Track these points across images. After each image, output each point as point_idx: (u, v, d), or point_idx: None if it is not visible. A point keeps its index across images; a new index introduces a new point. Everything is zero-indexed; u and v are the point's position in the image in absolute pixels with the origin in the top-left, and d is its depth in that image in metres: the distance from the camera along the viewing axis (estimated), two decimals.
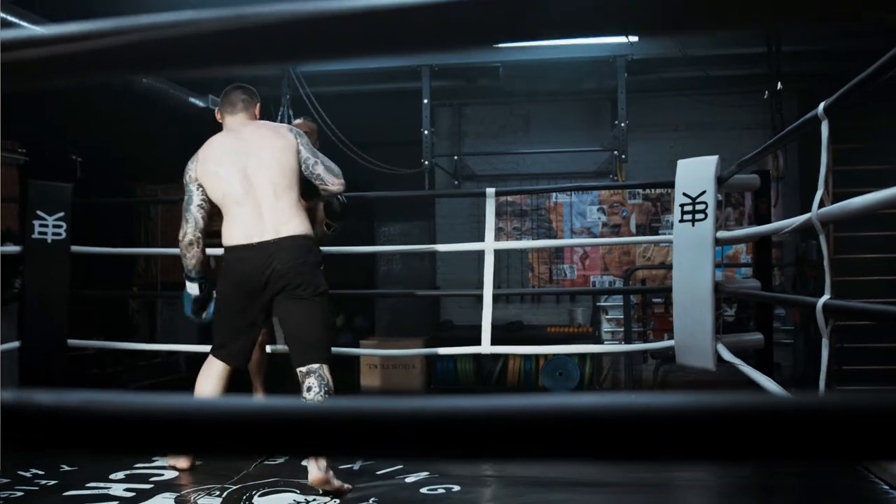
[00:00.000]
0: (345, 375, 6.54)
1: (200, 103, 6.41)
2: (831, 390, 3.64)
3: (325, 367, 3.10)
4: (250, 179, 3.15)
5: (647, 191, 7.44)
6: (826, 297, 2.50)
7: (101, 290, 6.32)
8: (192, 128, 6.72)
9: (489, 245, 4.61)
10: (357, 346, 6.73)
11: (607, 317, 7.33)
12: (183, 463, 3.33)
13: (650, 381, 6.82)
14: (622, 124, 6.39)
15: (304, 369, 3.09)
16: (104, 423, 0.55)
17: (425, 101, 6.48)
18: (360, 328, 7.94)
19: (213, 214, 3.31)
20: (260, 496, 2.96)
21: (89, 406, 0.54)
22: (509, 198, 7.55)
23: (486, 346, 4.47)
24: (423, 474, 3.21)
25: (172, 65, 0.68)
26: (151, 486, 3.09)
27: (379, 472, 3.27)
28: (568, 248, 7.56)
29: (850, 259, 6.57)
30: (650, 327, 7.19)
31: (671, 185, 4.11)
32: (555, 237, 7.52)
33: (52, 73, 0.65)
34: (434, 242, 7.35)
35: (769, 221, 4.27)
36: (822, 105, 2.57)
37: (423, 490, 3.04)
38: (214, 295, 3.34)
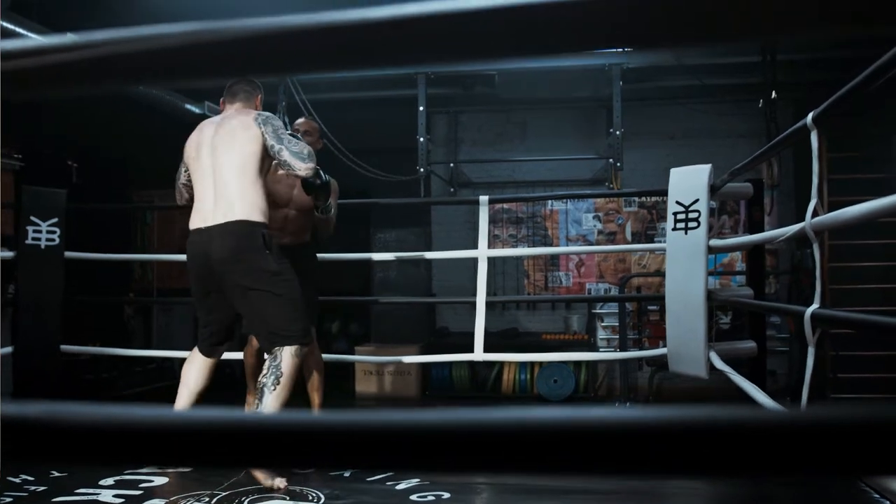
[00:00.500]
0: (340, 382, 6.54)
1: (196, 110, 6.41)
2: (814, 400, 3.63)
3: (285, 350, 3.11)
4: (213, 167, 3.25)
5: (643, 199, 7.45)
6: (815, 305, 2.50)
7: (96, 296, 6.31)
8: (188, 134, 6.74)
9: (482, 252, 4.61)
10: (352, 352, 6.73)
11: (603, 324, 7.33)
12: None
13: (645, 389, 6.81)
14: (617, 132, 6.39)
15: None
16: (94, 435, 0.55)
17: (421, 108, 6.48)
18: (355, 335, 7.94)
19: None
20: (249, 503, 2.96)
21: (79, 417, 0.55)
22: (505, 205, 7.55)
23: (478, 354, 4.47)
24: (414, 482, 3.21)
25: (170, 75, 0.68)
26: (141, 492, 3.09)
27: (369, 479, 3.27)
28: (563, 255, 7.57)
29: (847, 267, 6.57)
30: (645, 335, 7.19)
31: (666, 193, 4.11)
32: (550, 245, 7.52)
33: (50, 82, 0.66)
34: (430, 249, 7.35)
35: (762, 230, 4.28)
36: (810, 115, 2.57)
37: (413, 497, 3.04)
38: None
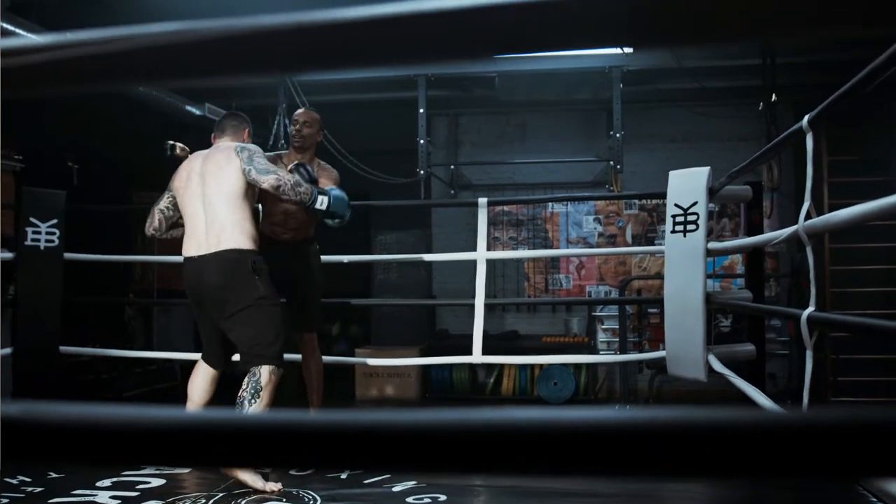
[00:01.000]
0: (340, 384, 6.54)
1: (197, 111, 6.43)
2: (815, 402, 3.63)
3: (263, 368, 3.25)
4: (203, 195, 3.40)
5: (644, 201, 7.44)
6: (811, 308, 2.50)
7: (96, 297, 6.32)
8: (189, 136, 6.74)
9: (481, 255, 4.61)
10: (352, 354, 6.73)
11: (603, 327, 7.32)
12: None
13: (645, 392, 6.80)
14: (618, 135, 6.39)
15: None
16: (95, 435, 0.55)
17: (421, 110, 6.49)
18: (355, 337, 7.94)
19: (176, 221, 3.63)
20: None
21: (79, 418, 0.55)
22: (505, 207, 7.55)
23: (477, 356, 4.46)
24: (410, 484, 3.21)
25: (171, 74, 0.68)
26: (138, 493, 3.09)
27: (366, 481, 3.27)
28: (564, 258, 7.56)
29: (848, 270, 6.56)
30: (646, 338, 7.18)
31: (665, 196, 4.11)
32: (551, 247, 7.52)
33: (47, 81, 0.66)
34: (430, 251, 7.35)
35: (761, 233, 4.28)
36: (806, 118, 2.57)
37: (410, 499, 3.04)
38: None
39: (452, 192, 7.55)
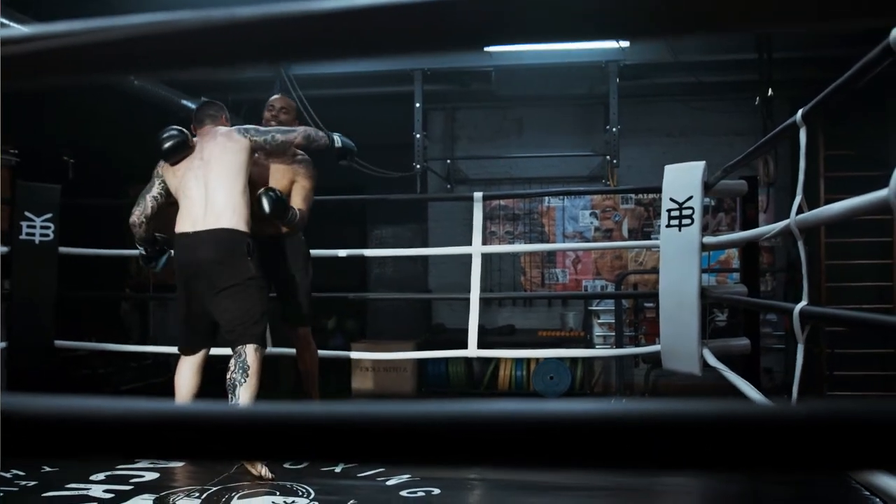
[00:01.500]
0: (336, 378, 6.54)
1: (193, 105, 6.41)
2: (809, 396, 3.64)
3: (248, 347, 3.31)
4: (201, 177, 3.45)
5: (640, 196, 7.44)
6: (803, 303, 2.51)
7: (92, 292, 6.31)
8: (186, 130, 6.73)
9: (476, 249, 4.61)
10: (348, 349, 6.72)
11: (599, 321, 7.33)
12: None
13: (641, 386, 6.81)
14: (614, 129, 6.39)
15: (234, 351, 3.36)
16: (92, 429, 0.55)
17: (417, 104, 6.49)
18: (351, 331, 7.94)
19: (167, 206, 3.67)
20: (239, 498, 2.96)
21: (75, 411, 0.54)
22: (502, 202, 7.55)
23: (472, 350, 4.47)
24: (405, 477, 3.21)
25: (165, 65, 0.68)
26: (131, 487, 3.09)
27: (360, 475, 3.27)
28: (560, 252, 7.57)
29: (842, 265, 6.57)
30: (642, 332, 7.19)
31: (660, 190, 4.11)
32: (547, 241, 7.52)
33: (38, 72, 0.65)
34: (426, 246, 7.35)
35: (756, 227, 4.28)
36: (799, 112, 2.57)
37: (403, 493, 3.04)
38: (164, 255, 3.86)
39: (449, 186, 7.54)
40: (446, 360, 6.88)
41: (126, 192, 7.51)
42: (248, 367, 3.28)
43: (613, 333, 6.85)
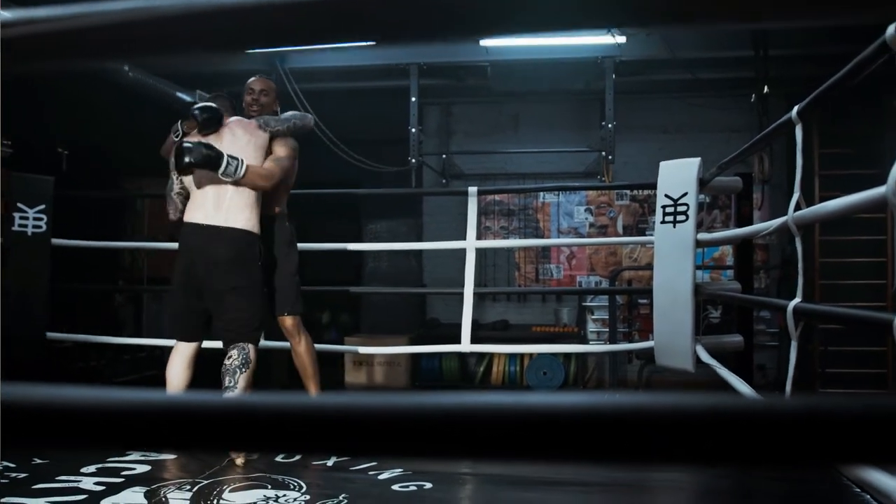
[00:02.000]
0: (329, 372, 6.53)
1: (188, 98, 6.39)
2: (800, 392, 3.65)
3: (249, 345, 3.38)
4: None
5: (635, 192, 7.44)
6: (797, 300, 2.51)
7: (85, 284, 6.29)
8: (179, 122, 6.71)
9: (471, 243, 4.60)
10: (342, 342, 6.72)
11: (593, 317, 7.33)
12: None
13: (635, 382, 6.82)
14: (610, 125, 6.39)
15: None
16: (90, 419, 0.54)
17: (413, 99, 6.47)
18: (345, 325, 7.93)
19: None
20: (230, 491, 2.96)
21: (74, 402, 0.54)
22: (497, 197, 7.55)
23: (465, 345, 4.47)
24: (397, 471, 3.21)
25: (164, 49, 0.67)
26: (122, 480, 3.08)
27: (352, 469, 3.27)
28: (554, 247, 7.56)
29: (837, 263, 6.58)
30: (635, 328, 7.20)
31: (655, 186, 4.11)
32: (542, 237, 7.52)
33: (37, 56, 0.65)
34: (421, 240, 7.34)
35: (751, 224, 4.28)
36: (795, 109, 2.57)
37: (395, 487, 3.04)
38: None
39: (444, 181, 7.53)
40: (440, 354, 6.88)
41: (120, 185, 7.53)
42: (250, 360, 3.35)
43: (607, 329, 6.86)
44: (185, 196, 3.60)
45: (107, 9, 0.59)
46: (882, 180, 1.78)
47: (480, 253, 4.68)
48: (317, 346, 4.13)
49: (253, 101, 3.78)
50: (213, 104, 3.58)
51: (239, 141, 3.49)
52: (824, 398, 0.47)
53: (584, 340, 7.11)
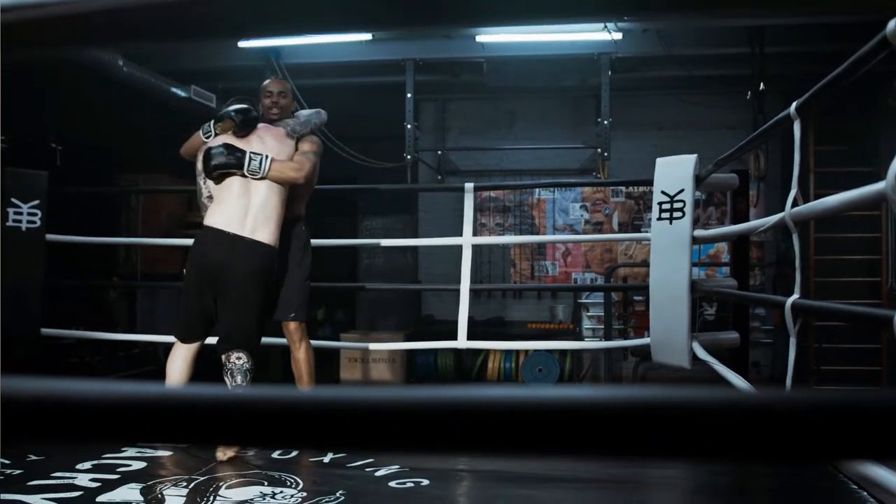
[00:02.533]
0: (324, 369, 6.52)
1: (182, 93, 6.37)
2: (798, 388, 3.65)
3: (244, 353, 3.34)
4: (248, 180, 3.40)
5: (630, 189, 7.45)
6: (795, 296, 2.51)
7: (80, 280, 6.27)
8: (174, 118, 6.68)
9: (467, 240, 4.60)
10: (337, 339, 6.71)
11: (588, 314, 7.33)
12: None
13: (630, 379, 6.82)
14: (605, 122, 6.39)
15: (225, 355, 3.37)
16: (91, 413, 0.53)
17: (409, 95, 6.46)
18: (340, 321, 7.92)
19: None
20: (227, 488, 2.94)
21: (75, 395, 0.53)
22: (492, 194, 7.54)
23: (462, 341, 4.46)
24: (394, 468, 3.20)
25: (151, 36, 0.67)
26: (118, 476, 3.06)
27: (349, 465, 3.26)
28: (550, 244, 7.57)
29: (832, 260, 6.59)
30: (631, 325, 7.20)
31: (652, 183, 4.10)
32: (537, 234, 7.52)
33: (36, 41, 0.64)
34: (417, 237, 7.34)
35: (747, 221, 4.28)
36: (793, 105, 2.56)
37: (392, 484, 3.03)
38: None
39: (440, 177, 7.53)
40: (435, 351, 6.88)
41: (115, 181, 7.50)
42: (253, 367, 3.35)
43: (602, 326, 6.86)
44: (211, 198, 3.55)
45: None
46: (877, 177, 1.78)
47: (476, 249, 4.67)
48: (312, 342, 4.06)
49: (272, 105, 3.72)
50: (250, 106, 3.52)
51: (269, 150, 3.45)
52: (824, 393, 0.47)
53: (580, 337, 7.12)
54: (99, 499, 2.80)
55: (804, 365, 6.38)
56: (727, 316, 6.56)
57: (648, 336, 4.25)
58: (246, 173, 3.37)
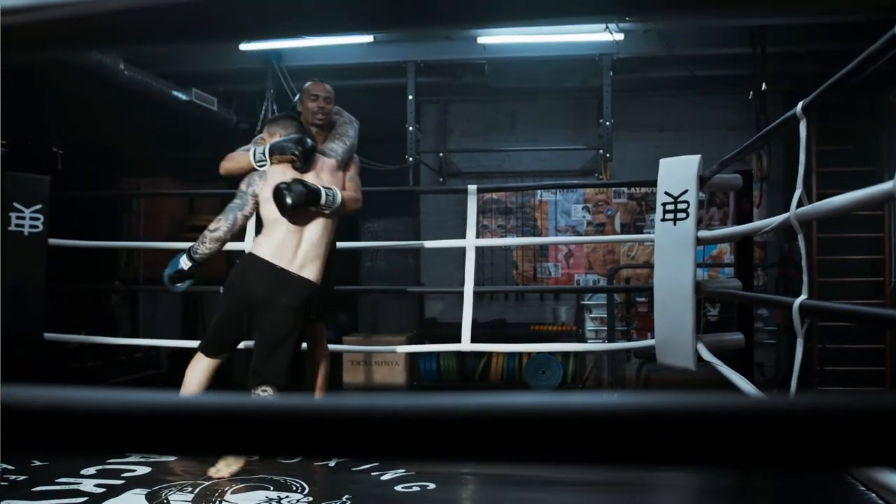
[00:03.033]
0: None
1: (184, 97, 6.36)
2: (803, 390, 3.63)
3: (270, 389, 3.24)
4: (305, 214, 3.32)
5: (632, 190, 7.43)
6: (803, 297, 2.49)
7: (82, 284, 6.26)
8: (176, 121, 6.68)
9: (470, 242, 4.59)
10: (340, 342, 6.69)
11: (591, 315, 7.32)
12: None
13: (633, 381, 6.81)
14: (607, 123, 6.38)
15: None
16: (95, 422, 0.52)
17: (410, 97, 6.45)
18: (343, 325, 7.90)
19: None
20: (232, 493, 2.93)
21: (78, 404, 0.52)
22: (494, 195, 7.53)
23: (466, 344, 4.45)
24: (400, 472, 3.19)
25: (155, 39, 0.66)
26: (123, 481, 3.06)
27: (354, 469, 3.25)
28: (552, 246, 7.55)
29: (835, 260, 6.58)
30: (633, 326, 7.19)
31: (655, 184, 4.10)
32: (539, 235, 7.51)
33: (39, 44, 0.64)
34: (419, 239, 7.32)
35: (751, 221, 4.27)
36: (800, 104, 2.55)
37: (398, 488, 3.02)
38: (191, 280, 3.52)
39: (441, 179, 7.51)
40: (438, 354, 6.87)
41: (117, 185, 7.49)
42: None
43: (605, 328, 6.85)
44: (246, 220, 3.47)
45: None
46: (880, 177, 1.77)
47: (478, 251, 4.66)
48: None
49: (319, 109, 3.68)
50: (310, 140, 3.41)
51: (325, 184, 3.39)
52: (835, 397, 0.46)
53: (583, 339, 7.10)
54: None
55: (808, 365, 6.36)
56: (730, 317, 6.57)
57: (652, 337, 4.24)
58: (322, 209, 3.34)
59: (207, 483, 3.04)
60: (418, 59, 6.42)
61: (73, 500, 2.83)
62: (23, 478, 3.07)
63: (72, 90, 5.96)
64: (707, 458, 0.48)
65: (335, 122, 3.75)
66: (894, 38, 1.77)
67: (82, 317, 6.34)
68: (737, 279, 4.23)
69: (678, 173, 3.95)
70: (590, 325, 7.29)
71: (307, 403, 0.51)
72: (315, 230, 3.36)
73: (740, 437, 0.46)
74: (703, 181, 3.91)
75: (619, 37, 5.96)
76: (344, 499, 2.88)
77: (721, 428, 0.46)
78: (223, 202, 7.55)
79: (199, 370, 3.37)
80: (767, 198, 6.82)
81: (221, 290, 3.49)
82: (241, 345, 3.58)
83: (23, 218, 4.51)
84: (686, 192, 3.86)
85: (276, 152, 3.35)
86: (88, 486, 3.00)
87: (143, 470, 3.23)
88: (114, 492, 2.93)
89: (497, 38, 6.11)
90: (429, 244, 5.85)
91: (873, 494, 2.84)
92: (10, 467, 3.18)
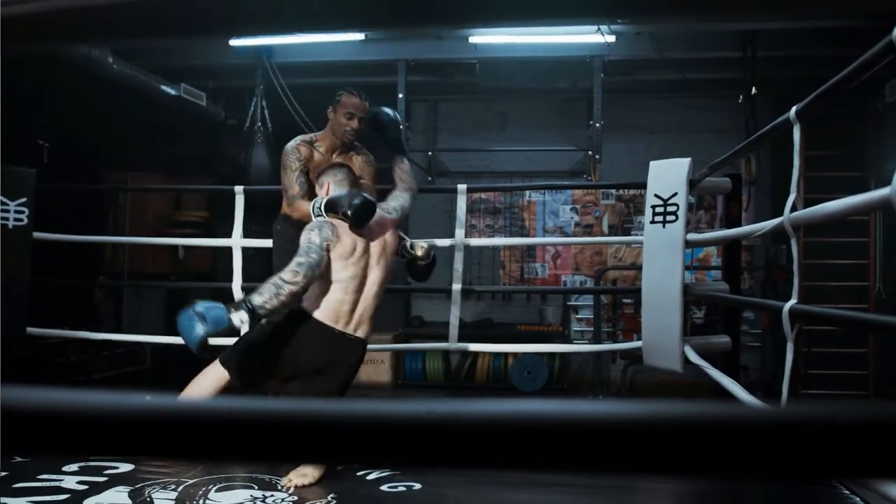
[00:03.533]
0: None
1: (172, 91, 6.32)
2: (795, 395, 3.64)
3: None
4: (361, 264, 3.18)
5: (621, 191, 7.44)
6: (792, 301, 2.49)
7: (66, 279, 6.20)
8: (164, 116, 6.63)
9: (459, 241, 4.57)
10: None
11: (577, 316, 7.33)
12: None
13: (618, 382, 6.81)
14: (597, 124, 6.38)
15: None
16: (92, 425, 0.51)
17: (400, 95, 6.43)
18: None
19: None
20: (217, 491, 2.91)
21: (75, 406, 0.51)
22: (483, 195, 7.52)
23: (452, 343, 4.44)
24: (385, 472, 3.17)
25: (151, 32, 0.66)
26: (105, 478, 3.02)
27: (340, 469, 3.23)
28: (540, 246, 7.55)
29: (820, 265, 6.60)
30: (620, 328, 7.20)
31: (644, 186, 4.10)
32: (527, 236, 7.50)
33: (39, 35, 0.63)
34: (407, 237, 7.30)
35: (740, 225, 4.28)
36: (793, 109, 2.55)
37: (384, 487, 3.00)
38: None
39: (430, 178, 7.50)
40: (424, 353, 6.86)
41: (103, 179, 7.43)
42: None
43: (591, 329, 6.85)
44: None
45: None
46: (866, 182, 1.77)
47: (466, 251, 4.65)
48: None
49: (353, 129, 3.69)
50: (370, 199, 3.18)
51: (388, 245, 3.32)
52: (828, 406, 0.44)
53: (569, 340, 7.11)
54: (86, 502, 2.76)
55: (792, 369, 6.39)
56: (715, 319, 6.58)
57: (638, 339, 4.24)
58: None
59: (191, 481, 3.01)
60: (409, 57, 6.40)
61: (55, 498, 2.80)
62: (3, 474, 3.03)
63: (59, 83, 5.90)
64: (704, 470, 0.47)
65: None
66: (891, 44, 1.76)
67: (66, 311, 6.28)
68: (724, 282, 4.24)
69: (668, 176, 3.95)
70: (576, 326, 7.30)
71: (315, 408, 0.50)
72: (373, 283, 3.23)
73: (740, 448, 0.45)
74: (693, 184, 3.91)
75: (611, 39, 5.96)
76: (329, 498, 2.86)
77: (721, 438, 0.45)
78: (210, 198, 7.53)
79: (208, 378, 3.06)
80: (755, 202, 6.84)
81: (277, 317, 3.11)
82: None
83: (7, 211, 4.46)
84: (676, 194, 3.85)
85: (332, 211, 3.14)
86: (70, 482, 2.96)
87: (125, 467, 3.19)
88: (96, 489, 2.90)
89: (488, 37, 6.10)
90: (419, 243, 5.83)
91: (857, 499, 2.84)
92: None
